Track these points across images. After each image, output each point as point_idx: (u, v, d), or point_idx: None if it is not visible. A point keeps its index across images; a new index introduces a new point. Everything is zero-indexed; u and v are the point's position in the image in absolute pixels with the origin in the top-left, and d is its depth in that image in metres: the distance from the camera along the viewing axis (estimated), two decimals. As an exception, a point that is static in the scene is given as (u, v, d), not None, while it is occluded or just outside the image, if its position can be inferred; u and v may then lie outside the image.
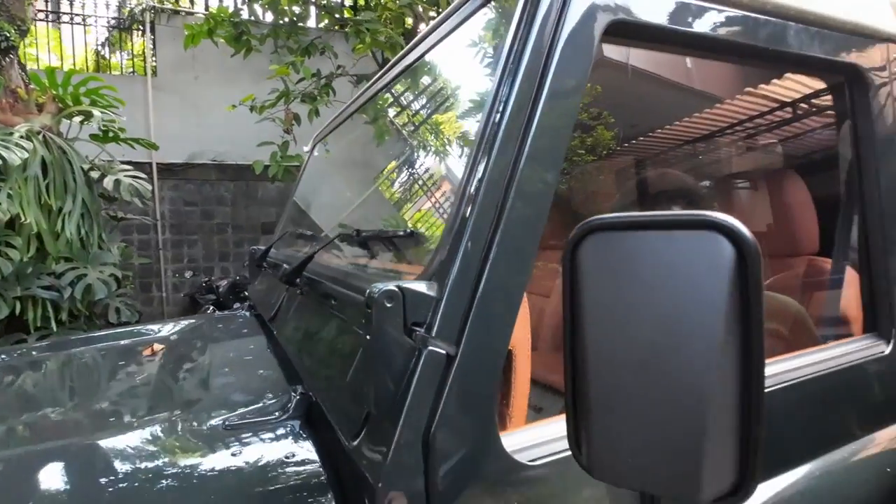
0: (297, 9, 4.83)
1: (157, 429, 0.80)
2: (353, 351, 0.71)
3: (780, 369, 0.85)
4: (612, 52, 1.09)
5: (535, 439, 0.60)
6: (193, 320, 1.72)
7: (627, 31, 0.70)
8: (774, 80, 1.40)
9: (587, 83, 0.67)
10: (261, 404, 0.83)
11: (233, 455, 0.71)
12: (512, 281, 0.59)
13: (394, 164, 1.09)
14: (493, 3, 0.78)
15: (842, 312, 1.12)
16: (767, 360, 0.88)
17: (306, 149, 2.19)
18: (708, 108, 1.39)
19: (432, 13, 4.44)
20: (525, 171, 0.60)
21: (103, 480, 0.67)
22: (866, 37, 0.98)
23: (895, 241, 1.02)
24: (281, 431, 0.76)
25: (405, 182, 0.97)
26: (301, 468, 0.67)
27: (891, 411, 0.97)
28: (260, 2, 4.64)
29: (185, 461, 0.71)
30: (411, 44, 1.07)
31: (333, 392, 0.74)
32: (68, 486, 0.68)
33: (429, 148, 0.90)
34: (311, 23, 5.48)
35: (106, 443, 0.76)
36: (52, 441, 0.80)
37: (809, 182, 1.42)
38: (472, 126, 0.71)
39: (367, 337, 0.56)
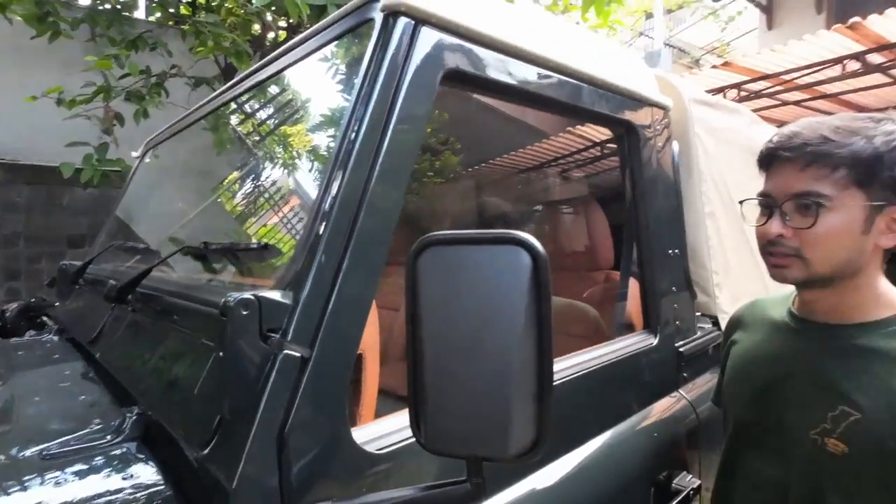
0: (121, -5, 4.33)
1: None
2: (200, 363, 0.70)
3: (579, 360, 1.05)
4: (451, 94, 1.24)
5: (382, 431, 0.68)
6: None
7: (461, 79, 0.84)
8: (580, 127, 1.70)
9: (430, 119, 0.78)
10: (87, 430, 0.77)
11: (57, 485, 0.65)
12: (362, 290, 0.66)
13: (242, 176, 1.09)
14: (350, 35, 0.85)
15: (627, 313, 1.41)
16: (570, 354, 1.08)
17: (136, 154, 2.00)
18: (529, 146, 1.64)
19: (282, 22, 4.34)
20: (375, 189, 0.68)
21: None
22: (638, 101, 1.28)
23: (658, 259, 1.32)
24: (115, 454, 0.71)
25: (253, 195, 0.98)
26: (142, 488, 0.64)
27: (658, 389, 1.26)
28: (74, -19, 4.06)
29: (-7, 499, 0.63)
30: (269, 57, 1.09)
31: (177, 407, 0.72)
32: None
33: (281, 163, 0.93)
34: (141, 14, 4.94)
35: None
36: None
37: (606, 210, 1.75)
38: (327, 146, 0.77)
39: (220, 345, 0.58)
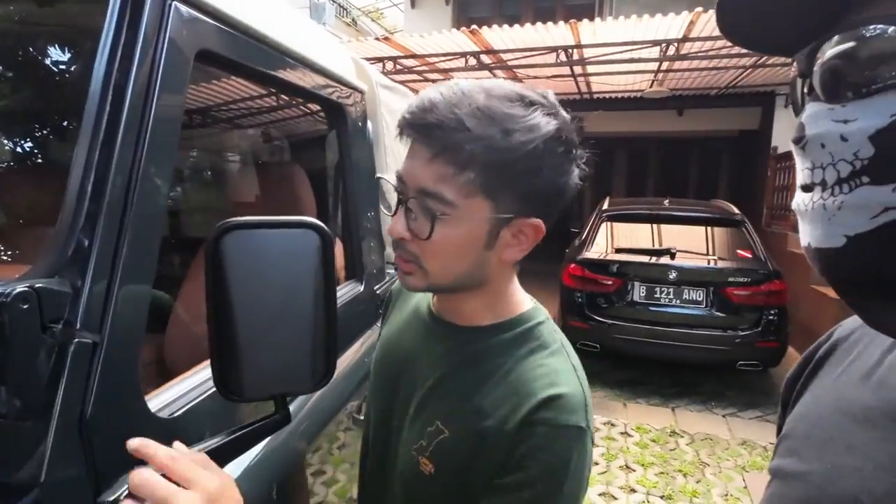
0: None
1: None
2: None
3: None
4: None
5: (172, 396, 0.72)
6: None
7: (213, 58, 0.86)
8: (299, 106, 1.80)
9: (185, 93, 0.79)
10: None
11: None
12: (144, 265, 0.68)
13: None
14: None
15: (336, 267, 1.66)
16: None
17: None
18: (253, 120, 1.63)
19: None
20: (146, 166, 0.68)
21: None
22: (345, 85, 1.49)
23: (361, 220, 1.61)
24: None
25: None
26: None
27: (365, 325, 1.57)
28: None
29: None
30: None
31: None
32: None
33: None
34: None
35: None
36: None
37: (317, 178, 1.92)
38: (69, 111, 0.70)
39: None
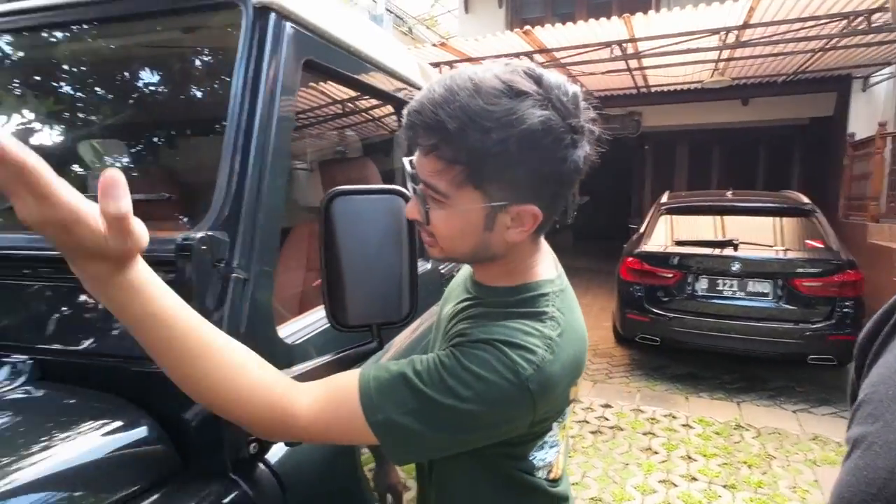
0: None
1: None
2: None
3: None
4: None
5: (296, 329, 0.93)
6: None
7: (315, 67, 1.07)
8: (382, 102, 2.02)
9: (297, 96, 1.00)
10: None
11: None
12: (274, 227, 0.89)
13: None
14: (210, 11, 0.98)
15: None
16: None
17: None
18: (344, 116, 1.88)
19: None
20: (275, 150, 0.89)
21: None
22: (413, 87, 1.68)
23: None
24: (18, 396, 0.76)
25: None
26: (76, 415, 0.75)
27: (433, 299, 1.75)
28: None
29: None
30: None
31: (91, 342, 0.81)
32: None
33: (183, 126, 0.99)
34: None
35: None
36: None
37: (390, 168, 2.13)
38: (220, 114, 0.92)
39: (181, 276, 0.74)
